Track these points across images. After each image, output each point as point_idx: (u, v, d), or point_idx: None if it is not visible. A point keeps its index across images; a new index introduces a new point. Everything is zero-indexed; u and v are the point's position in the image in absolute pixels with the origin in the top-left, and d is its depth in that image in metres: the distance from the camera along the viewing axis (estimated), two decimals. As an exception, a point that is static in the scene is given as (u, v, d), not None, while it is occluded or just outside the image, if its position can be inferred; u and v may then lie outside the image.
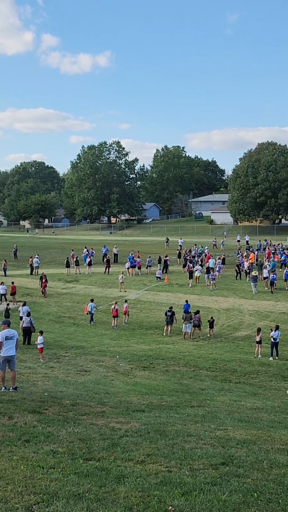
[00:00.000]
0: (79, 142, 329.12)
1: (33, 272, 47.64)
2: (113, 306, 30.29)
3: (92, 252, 53.34)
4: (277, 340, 23.81)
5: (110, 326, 30.16)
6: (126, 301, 32.48)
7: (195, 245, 59.30)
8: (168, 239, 69.67)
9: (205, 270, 42.65)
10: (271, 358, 23.67)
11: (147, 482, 6.71)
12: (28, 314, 26.07)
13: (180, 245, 57.38)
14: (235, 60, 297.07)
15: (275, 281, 38.41)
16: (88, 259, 50.01)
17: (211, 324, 28.00)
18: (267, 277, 39.34)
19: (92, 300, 31.84)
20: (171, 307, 29.00)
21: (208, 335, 28.01)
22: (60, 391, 14.85)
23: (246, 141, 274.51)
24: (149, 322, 31.37)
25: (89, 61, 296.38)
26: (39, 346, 21.67)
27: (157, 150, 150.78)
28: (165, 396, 15.24)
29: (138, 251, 53.68)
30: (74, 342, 26.18)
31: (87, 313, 31.58)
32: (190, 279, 41.93)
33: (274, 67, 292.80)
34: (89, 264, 49.01)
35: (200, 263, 46.68)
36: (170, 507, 5.82)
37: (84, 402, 12.94)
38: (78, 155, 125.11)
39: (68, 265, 48.10)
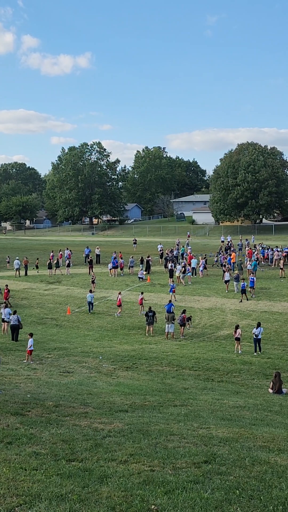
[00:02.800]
0: (60, 143, 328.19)
1: (16, 274, 47.42)
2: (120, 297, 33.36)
3: (69, 254, 53.42)
4: (259, 337, 24.06)
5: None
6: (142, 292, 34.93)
7: (177, 245, 59.40)
8: (136, 240, 68.83)
9: (182, 269, 42.71)
10: (255, 354, 23.89)
11: (130, 481, 6.72)
12: (14, 312, 27.11)
13: (160, 251, 56.99)
14: (216, 61, 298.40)
15: (251, 288, 37.22)
16: (67, 261, 50.03)
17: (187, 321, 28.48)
18: (228, 281, 38.95)
19: (90, 291, 35.64)
20: (150, 307, 29.19)
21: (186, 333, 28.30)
22: (43, 392, 14.79)
23: (226, 142, 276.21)
24: (132, 322, 31.39)
25: (70, 62, 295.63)
26: (29, 349, 21.69)
27: (138, 151, 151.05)
28: (148, 396, 15.26)
29: (121, 252, 53.66)
30: (57, 343, 26.10)
31: (87, 304, 34.45)
32: (170, 277, 42.23)
33: (254, 68, 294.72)
34: (68, 265, 49.00)
35: (181, 263, 46.77)
36: (153, 506, 5.84)
37: (67, 403, 12.91)
38: (59, 156, 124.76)
39: (50, 267, 47.98)
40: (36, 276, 46.76)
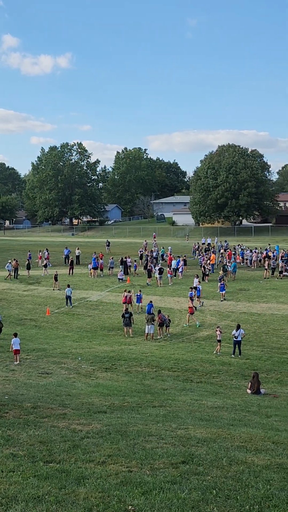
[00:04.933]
0: (40, 143, 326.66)
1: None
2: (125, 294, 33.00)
3: (47, 255, 53.32)
4: (239, 339, 24.15)
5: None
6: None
7: (156, 246, 59.46)
8: (109, 242, 68.46)
9: (158, 271, 42.77)
10: (233, 356, 24.01)
11: (107, 482, 6.72)
12: None
13: (140, 251, 57.03)
14: (196, 63, 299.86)
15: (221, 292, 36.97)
16: (44, 261, 49.82)
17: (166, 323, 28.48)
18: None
19: (68, 286, 36.21)
20: (127, 309, 29.25)
21: (166, 333, 28.35)
22: (21, 394, 14.69)
23: (206, 144, 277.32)
24: (112, 323, 31.35)
25: (50, 62, 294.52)
26: (15, 348, 21.59)
27: (118, 152, 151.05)
28: (127, 397, 15.26)
29: (101, 253, 53.57)
30: (36, 344, 25.95)
31: (66, 298, 35.55)
32: (148, 277, 42.50)
33: (233, 71, 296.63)
34: (45, 266, 48.78)
35: (159, 264, 46.88)
36: (130, 507, 5.84)
37: (45, 405, 12.85)
38: (39, 156, 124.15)
39: (29, 267, 47.66)
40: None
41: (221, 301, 35.87)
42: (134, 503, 5.96)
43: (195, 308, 33.02)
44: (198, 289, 35.01)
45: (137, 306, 33.40)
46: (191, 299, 33.11)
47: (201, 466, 7.57)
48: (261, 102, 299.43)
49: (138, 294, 33.76)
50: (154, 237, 77.25)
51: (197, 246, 59.65)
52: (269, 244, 58.97)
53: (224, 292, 36.34)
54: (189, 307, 31.01)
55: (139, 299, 33.41)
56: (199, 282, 37.62)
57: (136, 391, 16.86)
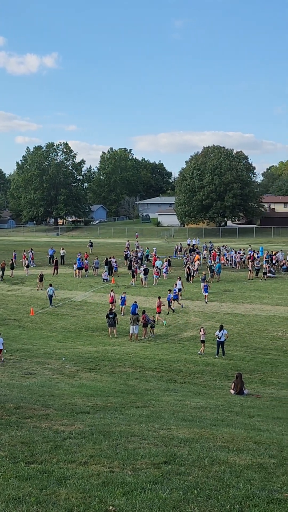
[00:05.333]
0: (25, 142, 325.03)
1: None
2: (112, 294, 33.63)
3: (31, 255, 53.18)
4: (222, 339, 24.24)
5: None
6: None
7: (141, 246, 59.47)
8: (91, 243, 68.23)
9: (143, 271, 42.86)
10: (216, 356, 24.10)
11: (88, 483, 6.70)
12: None
13: (125, 252, 56.97)
14: (182, 64, 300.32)
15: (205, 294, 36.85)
16: (26, 261, 49.58)
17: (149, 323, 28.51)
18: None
19: (50, 285, 36.51)
20: (111, 309, 29.25)
21: (150, 334, 28.36)
22: (3, 394, 14.61)
23: (192, 145, 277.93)
24: (96, 323, 31.30)
25: (36, 62, 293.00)
26: None
27: (104, 152, 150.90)
28: (110, 397, 15.24)
29: (86, 253, 53.47)
30: (19, 344, 25.82)
31: (48, 297, 35.75)
32: (132, 277, 42.76)
33: (219, 72, 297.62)
34: (27, 266, 48.56)
35: (144, 265, 46.94)
36: (111, 507, 5.84)
37: (28, 405, 12.78)
38: (24, 156, 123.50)
39: (12, 267, 47.41)
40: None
41: (205, 302, 35.93)
42: (115, 504, 5.96)
43: (173, 310, 33.06)
44: (175, 291, 34.86)
45: (120, 308, 33.26)
46: (169, 302, 33.12)
47: (183, 466, 7.58)
48: (247, 104, 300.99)
49: (123, 296, 33.57)
50: (137, 237, 77.24)
51: (179, 247, 59.53)
52: (250, 245, 59.34)
53: (207, 294, 36.37)
54: (157, 306, 31.06)
55: (123, 301, 33.24)
56: (182, 283, 37.61)
57: (120, 391, 16.85)
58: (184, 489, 6.46)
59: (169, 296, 33.73)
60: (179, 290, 36.54)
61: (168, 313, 32.81)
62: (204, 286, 36.58)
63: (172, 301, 34.00)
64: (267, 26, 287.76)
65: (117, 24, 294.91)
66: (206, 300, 36.22)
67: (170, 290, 34.42)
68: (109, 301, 33.40)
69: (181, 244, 61.86)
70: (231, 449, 8.90)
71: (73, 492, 6.33)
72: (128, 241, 65.62)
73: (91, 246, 65.02)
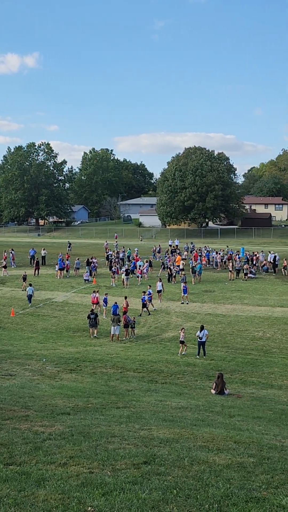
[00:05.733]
0: (6, 142, 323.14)
1: None
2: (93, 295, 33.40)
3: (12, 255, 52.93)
4: (203, 340, 24.32)
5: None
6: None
7: (123, 247, 59.44)
8: (70, 244, 67.94)
9: (124, 272, 42.90)
10: (197, 357, 24.16)
11: (67, 484, 6.66)
12: None
13: (107, 252, 56.89)
14: (163, 65, 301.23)
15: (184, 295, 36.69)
16: (3, 262, 49.29)
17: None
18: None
19: (30, 285, 36.77)
20: (92, 310, 29.19)
21: (131, 334, 28.34)
22: (-17, 396, 14.47)
23: (173, 146, 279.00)
24: (77, 324, 31.19)
25: (17, 61, 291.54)
26: None
27: (85, 152, 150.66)
28: (91, 398, 15.19)
29: (68, 253, 53.28)
30: (-1, 346, 25.64)
31: (27, 297, 35.99)
32: (112, 278, 42.98)
33: (200, 73, 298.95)
34: (4, 266, 48.28)
35: (126, 266, 46.93)
36: (89, 508, 5.81)
37: (8, 407, 12.68)
38: (5, 156, 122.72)
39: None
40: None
41: (186, 304, 35.97)
42: (94, 504, 5.93)
43: (148, 313, 32.96)
44: (149, 293, 34.69)
45: (104, 309, 33.17)
46: (143, 304, 32.95)
47: (163, 466, 7.58)
48: (228, 106, 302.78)
49: (104, 297, 33.51)
50: (116, 238, 77.15)
51: (158, 249, 59.21)
52: (227, 246, 59.69)
53: (186, 295, 36.37)
54: (123, 306, 31.05)
55: (105, 302, 33.17)
56: (162, 285, 37.58)
57: (101, 392, 16.80)
58: (163, 489, 6.46)
59: (143, 297, 33.44)
60: (159, 291, 36.53)
61: (141, 315, 32.40)
62: (184, 287, 36.61)
63: (148, 303, 33.79)
64: (248, 28, 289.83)
65: (99, 25, 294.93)
66: (182, 301, 36.24)
67: (144, 292, 34.17)
68: (92, 302, 33.28)
69: (159, 245, 61.41)
70: (211, 449, 8.92)
71: (52, 493, 6.29)
72: (106, 241, 65.67)
73: (69, 247, 64.79)
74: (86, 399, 14.95)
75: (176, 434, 10.20)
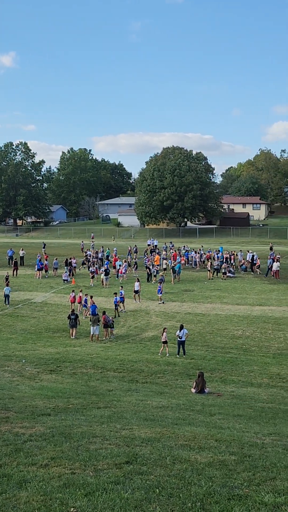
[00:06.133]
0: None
1: None
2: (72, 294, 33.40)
3: None
4: (183, 339, 24.36)
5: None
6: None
7: (102, 247, 59.28)
8: (44, 244, 67.56)
9: (104, 272, 42.85)
10: (177, 356, 24.20)
11: (49, 485, 6.62)
12: None
13: (85, 253, 56.64)
14: (140, 66, 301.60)
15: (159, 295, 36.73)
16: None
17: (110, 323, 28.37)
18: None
19: (7, 284, 36.68)
20: (73, 310, 29.07)
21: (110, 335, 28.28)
22: None
23: (152, 146, 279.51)
24: (56, 325, 31.03)
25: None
26: None
27: (63, 152, 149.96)
28: (71, 399, 15.12)
29: (46, 254, 53.00)
30: (-22, 347, 25.38)
31: (4, 297, 35.72)
32: (92, 278, 42.96)
33: (178, 74, 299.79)
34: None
35: (104, 265, 46.86)
36: (72, 509, 5.78)
37: (-13, 409, 12.56)
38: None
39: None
40: None
41: (159, 303, 35.84)
42: (76, 505, 5.90)
43: (118, 315, 32.69)
44: (121, 293, 34.15)
45: (84, 310, 32.98)
46: (115, 305, 32.78)
47: (145, 466, 7.57)
48: (206, 106, 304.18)
49: (84, 297, 33.37)
50: (92, 238, 77.02)
51: (135, 249, 58.93)
52: (202, 246, 60.03)
53: (160, 295, 36.25)
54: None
55: (86, 303, 32.94)
56: (140, 285, 37.51)
57: (81, 392, 16.74)
58: (146, 489, 6.45)
59: (116, 299, 32.96)
60: (136, 292, 36.38)
61: (115, 317, 31.86)
62: (159, 287, 36.58)
63: (120, 304, 33.48)
64: (226, 28, 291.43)
65: (76, 25, 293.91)
66: (159, 302, 36.13)
67: (115, 293, 33.74)
68: (77, 301, 33.26)
69: (136, 245, 60.93)
70: (193, 448, 8.94)
71: (34, 495, 6.24)
72: (82, 241, 65.60)
73: (44, 247, 64.43)
74: (67, 400, 14.88)
75: (158, 433, 10.20)
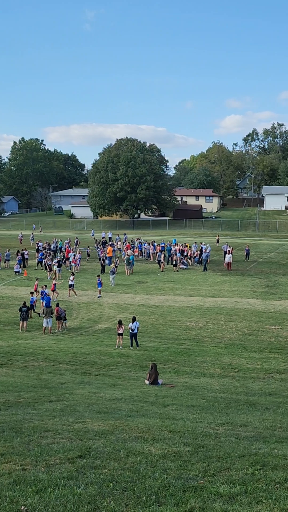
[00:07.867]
0: None
1: None
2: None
3: None
4: (135, 331, 24.31)
5: None
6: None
7: (55, 238, 58.57)
8: None
9: (56, 264, 42.30)
10: (130, 348, 24.12)
11: (-1, 483, 6.38)
12: None
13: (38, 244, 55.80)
14: (93, 56, 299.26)
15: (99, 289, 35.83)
16: None
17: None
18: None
19: None
20: (24, 303, 28.49)
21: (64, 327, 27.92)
22: None
23: (105, 137, 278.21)
24: (7, 317, 30.43)
25: None
26: None
27: (15, 142, 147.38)
28: (23, 393, 14.82)
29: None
30: None
31: None
32: (49, 271, 42.44)
33: (131, 65, 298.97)
34: None
35: (57, 257, 46.36)
36: (22, 507, 5.56)
37: None
38: None
39: None
40: None
41: (98, 297, 35.15)
42: (27, 503, 5.69)
43: (38, 315, 31.51)
44: (42, 292, 32.27)
45: (41, 303, 31.60)
46: (32, 305, 31.34)
47: (98, 460, 7.42)
48: (159, 98, 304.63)
49: (42, 290, 32.34)
50: (34, 229, 76.49)
51: (76, 241, 58.09)
52: (139, 238, 60.36)
53: (100, 288, 35.40)
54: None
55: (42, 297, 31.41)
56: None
57: (33, 386, 16.45)
58: (99, 483, 6.30)
59: (32, 298, 30.96)
60: (70, 286, 35.78)
61: (32, 317, 29.94)
62: (98, 280, 35.53)
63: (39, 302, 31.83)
64: (179, 19, 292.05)
65: (28, 14, 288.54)
66: (99, 295, 35.27)
67: (32, 293, 32.01)
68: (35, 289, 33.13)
69: (76, 237, 59.92)
70: (147, 439, 8.85)
71: (-18, 494, 5.99)
72: (21, 233, 64.91)
73: None
74: (18, 394, 14.58)
75: (111, 426, 10.08)
